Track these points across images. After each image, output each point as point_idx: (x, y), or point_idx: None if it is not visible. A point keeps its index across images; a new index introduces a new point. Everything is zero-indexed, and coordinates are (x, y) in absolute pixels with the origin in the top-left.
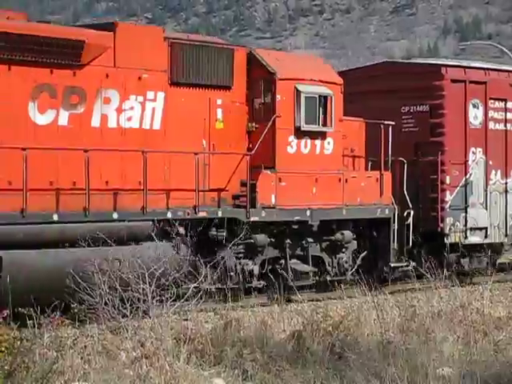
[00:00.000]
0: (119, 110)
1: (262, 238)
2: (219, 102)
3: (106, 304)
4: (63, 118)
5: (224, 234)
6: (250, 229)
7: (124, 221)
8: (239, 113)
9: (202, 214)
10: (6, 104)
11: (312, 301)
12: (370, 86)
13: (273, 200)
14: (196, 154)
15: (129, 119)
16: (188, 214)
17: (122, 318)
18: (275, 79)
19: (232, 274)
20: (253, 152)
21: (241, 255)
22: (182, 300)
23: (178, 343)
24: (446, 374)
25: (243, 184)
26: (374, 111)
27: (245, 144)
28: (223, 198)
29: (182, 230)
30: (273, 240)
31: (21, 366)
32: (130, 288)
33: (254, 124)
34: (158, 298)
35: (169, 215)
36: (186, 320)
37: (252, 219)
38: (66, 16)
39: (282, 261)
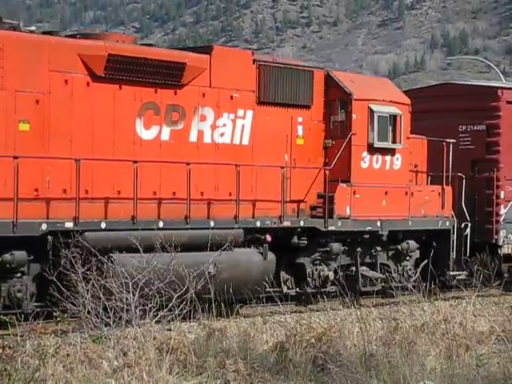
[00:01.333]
0: (213, 127)
1: (336, 246)
2: (300, 119)
3: (88, 312)
4: (165, 133)
5: (305, 241)
6: (327, 238)
7: (218, 229)
8: (317, 130)
9: (286, 224)
10: (117, 120)
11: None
12: (429, 105)
13: (348, 211)
14: (282, 167)
15: (222, 135)
16: (274, 223)
17: (105, 326)
18: (351, 99)
19: (309, 279)
20: (331, 166)
21: (317, 262)
22: (165, 310)
23: (160, 353)
24: None
25: (320, 196)
26: (433, 129)
27: (322, 159)
28: (302, 208)
29: (268, 238)
30: (346, 248)
31: (2, 373)
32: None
33: (330, 140)
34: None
35: (258, 224)
36: (169, 330)
37: (329, 229)
38: (53, 24)
39: (353, 267)
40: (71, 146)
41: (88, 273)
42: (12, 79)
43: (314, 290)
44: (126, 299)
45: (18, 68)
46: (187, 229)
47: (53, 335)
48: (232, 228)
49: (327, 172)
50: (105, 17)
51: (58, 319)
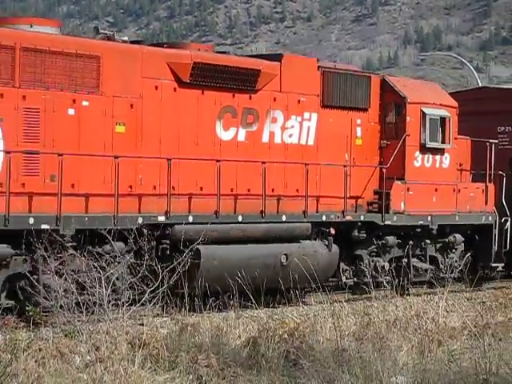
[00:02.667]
0: (283, 128)
1: (391, 239)
2: (358, 121)
3: (61, 307)
4: (241, 134)
5: (364, 235)
6: (382, 231)
7: (289, 222)
8: (374, 131)
9: (348, 218)
10: (200, 122)
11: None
12: (470, 107)
13: (402, 206)
14: (345, 166)
15: (290, 136)
16: (338, 217)
17: (78, 321)
18: (406, 103)
19: (366, 269)
20: (388, 165)
21: (373, 253)
22: (138, 304)
23: (132, 348)
24: (400, 382)
25: (375, 192)
26: (473, 130)
27: (377, 158)
28: (360, 204)
29: (333, 231)
30: (399, 241)
31: None
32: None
33: (385, 141)
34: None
35: (323, 218)
36: (142, 325)
37: (386, 223)
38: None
39: (405, 259)
40: (160, 146)
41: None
42: (110, 85)
43: (370, 280)
44: (99, 293)
45: (115, 75)
46: (263, 222)
47: (25, 329)
48: (301, 222)
49: (384, 170)
50: (78, 11)
51: (31, 313)
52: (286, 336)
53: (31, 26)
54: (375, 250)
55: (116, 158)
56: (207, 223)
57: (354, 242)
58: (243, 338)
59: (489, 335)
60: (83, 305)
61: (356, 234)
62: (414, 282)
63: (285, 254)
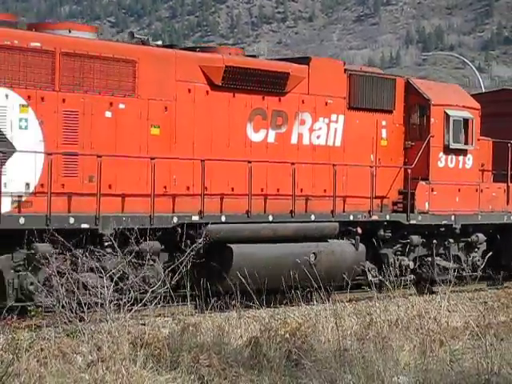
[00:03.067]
0: (311, 130)
1: (416, 238)
2: (384, 123)
3: (63, 307)
4: (271, 136)
5: (390, 234)
6: (407, 230)
7: (318, 222)
8: (398, 132)
9: (374, 217)
10: (231, 124)
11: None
12: (491, 109)
13: (426, 206)
14: (371, 167)
15: (318, 137)
16: (365, 217)
17: (79, 321)
18: (430, 105)
19: (391, 268)
20: (413, 166)
21: (398, 252)
22: (140, 304)
23: (134, 347)
24: (402, 382)
25: (400, 192)
26: (494, 131)
27: (402, 159)
28: (385, 204)
29: (359, 230)
30: (423, 240)
31: None
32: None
33: (409, 142)
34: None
35: (351, 218)
36: (144, 325)
37: (411, 222)
38: (29, 18)
39: (429, 258)
40: (193, 147)
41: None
42: (145, 88)
43: (395, 278)
44: (101, 294)
45: (150, 78)
46: (292, 222)
47: (27, 329)
48: (329, 221)
49: (409, 171)
50: (80, 11)
51: (33, 313)
52: (287, 336)
53: (70, 32)
54: (400, 248)
55: (152, 159)
56: (239, 223)
57: (380, 241)
58: (245, 337)
59: (491, 335)
60: (85, 305)
61: (382, 233)
62: (437, 280)
63: (313, 253)
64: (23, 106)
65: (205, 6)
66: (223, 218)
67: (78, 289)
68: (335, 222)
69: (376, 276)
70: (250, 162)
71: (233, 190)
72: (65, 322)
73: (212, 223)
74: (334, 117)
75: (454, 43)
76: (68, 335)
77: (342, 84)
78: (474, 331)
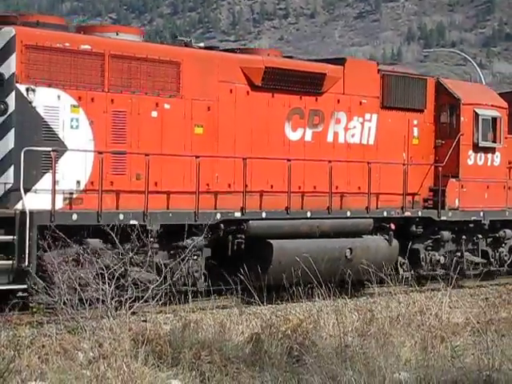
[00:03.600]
0: (346, 129)
1: (446, 233)
2: (415, 122)
3: (64, 304)
4: (308, 135)
5: (421, 230)
6: (438, 226)
7: (353, 218)
8: (429, 131)
9: (407, 214)
10: (270, 124)
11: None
12: None
13: (456, 203)
14: (404, 164)
15: (352, 136)
16: (398, 213)
17: (81, 318)
18: (460, 104)
19: (422, 263)
20: (444, 163)
21: (429, 248)
22: (142, 301)
23: (136, 344)
24: (403, 378)
25: (431, 189)
26: None
27: (432, 156)
28: (416, 200)
29: (393, 226)
30: (453, 236)
31: None
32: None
33: (440, 140)
34: None
35: (385, 214)
36: (145, 321)
37: (442, 218)
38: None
39: (458, 253)
40: (235, 146)
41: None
42: (189, 89)
43: (427, 273)
44: (102, 290)
45: (193, 79)
46: (329, 218)
47: (28, 326)
48: (364, 217)
49: (440, 168)
50: (82, 8)
51: (34, 310)
52: (289, 332)
53: (117, 34)
54: (431, 244)
55: (197, 157)
56: (279, 219)
57: (411, 237)
58: (246, 334)
59: (492, 331)
60: (86, 301)
61: (414, 229)
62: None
63: (349, 248)
64: (74, 106)
65: (206, 2)
66: (264, 215)
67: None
68: (370, 218)
69: (408, 270)
70: (289, 160)
71: (272, 187)
72: (66, 319)
73: (253, 219)
74: (367, 116)
75: (455, 40)
76: (69, 332)
77: (376, 84)
78: (475, 327)
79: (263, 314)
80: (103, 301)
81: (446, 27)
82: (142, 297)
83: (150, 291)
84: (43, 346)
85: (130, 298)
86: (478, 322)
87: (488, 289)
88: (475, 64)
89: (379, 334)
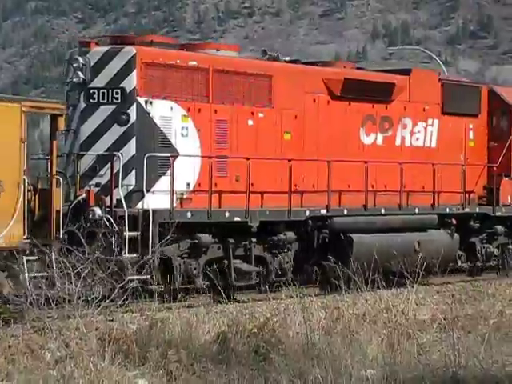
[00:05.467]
0: (411, 133)
1: (500, 228)
2: (471, 126)
3: (31, 303)
4: (379, 139)
5: (478, 224)
6: (492, 221)
7: (421, 214)
8: (483, 134)
9: (466, 210)
10: (347, 129)
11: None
12: None
13: (509, 200)
14: (462, 165)
15: (417, 139)
16: (458, 209)
17: (47, 318)
18: (511, 109)
19: (478, 255)
20: (497, 164)
21: (484, 241)
22: (108, 300)
23: (102, 343)
24: (370, 375)
25: (485, 188)
26: None
27: (486, 158)
28: (472, 198)
29: (454, 221)
30: (506, 230)
31: None
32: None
33: (493, 142)
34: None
35: (447, 210)
36: (112, 321)
37: (497, 214)
38: None
39: (510, 246)
40: (318, 150)
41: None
42: (279, 100)
43: (482, 264)
44: (69, 290)
45: (283, 91)
46: (400, 214)
47: None
48: (430, 214)
49: (494, 168)
50: (47, 7)
51: (0, 310)
52: (255, 330)
53: (217, 51)
54: (486, 237)
55: (289, 161)
56: (357, 215)
57: (468, 231)
58: (213, 332)
59: (458, 328)
60: (53, 301)
61: (472, 223)
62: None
63: (417, 242)
64: (184, 116)
65: (171, 1)
66: (345, 212)
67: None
68: (434, 214)
69: (465, 262)
70: (366, 162)
71: (349, 186)
72: (33, 319)
73: (336, 216)
74: (430, 121)
75: (420, 37)
76: (36, 332)
77: (437, 92)
78: (441, 324)
79: (230, 313)
80: (69, 300)
81: (410, 25)
82: (109, 296)
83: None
84: (9, 347)
85: (96, 298)
86: (444, 319)
87: (454, 286)
88: (440, 62)
89: (346, 332)
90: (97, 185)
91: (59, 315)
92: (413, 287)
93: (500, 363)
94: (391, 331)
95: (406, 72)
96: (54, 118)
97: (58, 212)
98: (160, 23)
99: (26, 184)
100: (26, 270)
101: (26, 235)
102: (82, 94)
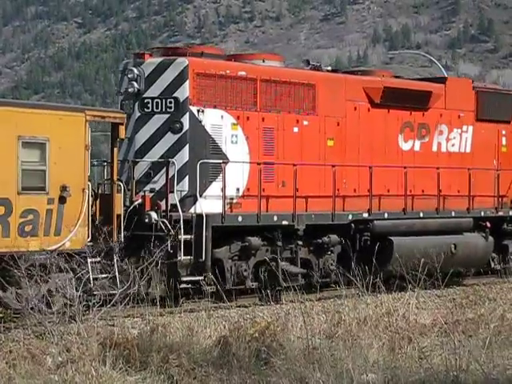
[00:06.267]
0: (447, 139)
1: None
2: (503, 132)
3: (32, 309)
4: (417, 145)
5: (511, 228)
6: None
7: (457, 217)
8: None
9: (500, 213)
10: (387, 136)
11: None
12: None
13: None
14: (496, 170)
15: (452, 145)
16: (492, 213)
17: (49, 322)
18: None
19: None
20: None
21: None
22: (109, 305)
23: (103, 348)
24: (371, 379)
25: None
26: None
27: None
28: (504, 202)
29: (489, 225)
30: None
31: None
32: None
33: None
34: None
35: (482, 214)
36: (113, 325)
37: None
38: None
39: None
40: (359, 156)
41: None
42: (322, 107)
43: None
44: (70, 295)
45: (326, 99)
46: (437, 218)
47: None
48: (465, 217)
49: None
50: (47, 12)
51: (1, 315)
52: (256, 335)
53: (263, 61)
54: None
55: (333, 166)
56: (397, 219)
57: (501, 234)
58: (214, 337)
59: (459, 332)
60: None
61: (505, 226)
62: None
63: (454, 244)
64: (234, 124)
65: (172, 6)
66: (386, 215)
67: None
68: (470, 217)
69: (498, 264)
70: (405, 167)
71: (388, 191)
72: (34, 324)
73: (377, 219)
74: (464, 128)
75: (420, 42)
76: (37, 337)
77: (471, 99)
78: (442, 328)
79: (231, 317)
80: (71, 305)
81: (411, 29)
82: (110, 301)
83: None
84: (11, 352)
85: (97, 303)
86: (445, 323)
87: (455, 289)
88: (440, 66)
89: (347, 336)
90: (151, 190)
91: (60, 320)
92: (414, 291)
93: (501, 367)
94: (392, 335)
95: (442, 80)
96: (115, 127)
97: (118, 216)
98: (160, 28)
99: (90, 189)
100: (90, 272)
101: (90, 238)
102: (137, 104)
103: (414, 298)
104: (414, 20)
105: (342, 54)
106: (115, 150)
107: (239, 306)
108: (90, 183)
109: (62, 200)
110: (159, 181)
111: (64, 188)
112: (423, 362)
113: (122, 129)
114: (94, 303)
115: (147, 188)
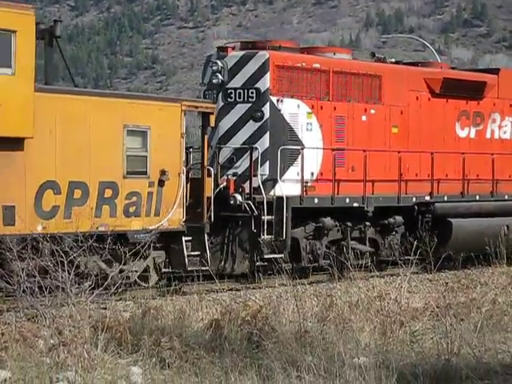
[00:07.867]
0: (499, 127)
1: None
2: None
3: (24, 291)
4: (472, 132)
5: None
6: None
7: (509, 200)
8: None
9: None
10: (445, 124)
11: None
12: None
13: None
14: None
15: (504, 132)
16: None
17: (41, 305)
18: None
19: None
20: None
21: None
22: (100, 288)
23: (95, 331)
24: (362, 363)
25: None
26: None
27: None
28: None
29: None
30: None
31: None
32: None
33: None
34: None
35: None
36: (105, 308)
37: None
38: None
39: None
40: (420, 142)
41: None
42: (388, 97)
43: None
44: (62, 277)
45: (390, 89)
46: (492, 201)
47: None
48: None
49: None
50: None
51: None
52: (248, 318)
53: (334, 54)
54: None
55: (399, 152)
56: (456, 201)
57: None
58: (206, 320)
59: (451, 316)
60: (46, 289)
61: None
62: None
63: (506, 225)
64: (309, 113)
65: None
66: (445, 198)
67: None
68: None
69: None
70: (463, 153)
71: (447, 175)
72: (26, 307)
73: (438, 202)
74: None
75: (413, 26)
76: (29, 319)
77: None
78: (434, 312)
79: (223, 301)
80: (63, 288)
81: (404, 13)
82: (102, 284)
83: (364, 260)
84: (2, 334)
85: (89, 286)
86: (437, 307)
87: (447, 274)
88: (433, 50)
89: (338, 320)
90: (234, 174)
91: (52, 303)
92: (406, 275)
93: (492, 351)
94: (384, 319)
95: (495, 71)
96: (206, 116)
97: (208, 198)
98: (153, 11)
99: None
100: (184, 249)
101: (184, 218)
102: (221, 94)
103: (406, 282)
104: (407, 4)
105: (334, 38)
106: (206, 137)
107: (231, 290)
108: (185, 168)
109: (161, 183)
110: (241, 165)
111: (163, 172)
112: (415, 345)
113: (212, 117)
114: (86, 287)
115: (230, 172)
